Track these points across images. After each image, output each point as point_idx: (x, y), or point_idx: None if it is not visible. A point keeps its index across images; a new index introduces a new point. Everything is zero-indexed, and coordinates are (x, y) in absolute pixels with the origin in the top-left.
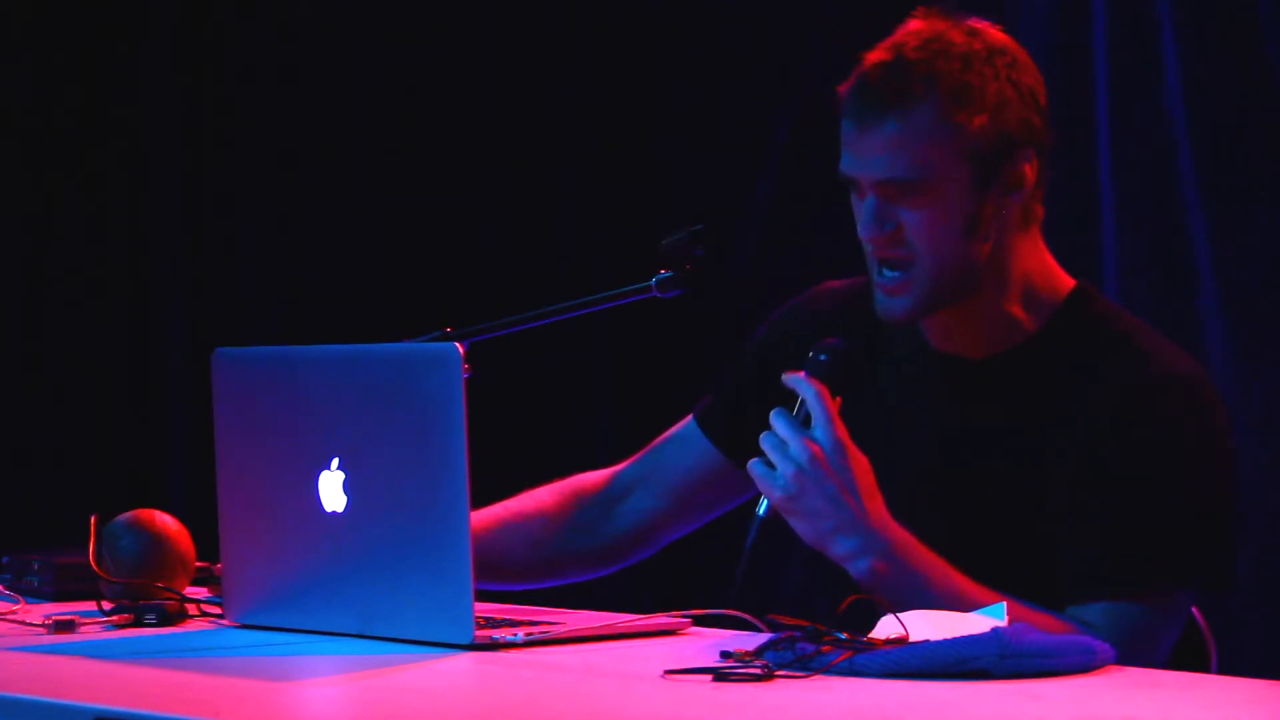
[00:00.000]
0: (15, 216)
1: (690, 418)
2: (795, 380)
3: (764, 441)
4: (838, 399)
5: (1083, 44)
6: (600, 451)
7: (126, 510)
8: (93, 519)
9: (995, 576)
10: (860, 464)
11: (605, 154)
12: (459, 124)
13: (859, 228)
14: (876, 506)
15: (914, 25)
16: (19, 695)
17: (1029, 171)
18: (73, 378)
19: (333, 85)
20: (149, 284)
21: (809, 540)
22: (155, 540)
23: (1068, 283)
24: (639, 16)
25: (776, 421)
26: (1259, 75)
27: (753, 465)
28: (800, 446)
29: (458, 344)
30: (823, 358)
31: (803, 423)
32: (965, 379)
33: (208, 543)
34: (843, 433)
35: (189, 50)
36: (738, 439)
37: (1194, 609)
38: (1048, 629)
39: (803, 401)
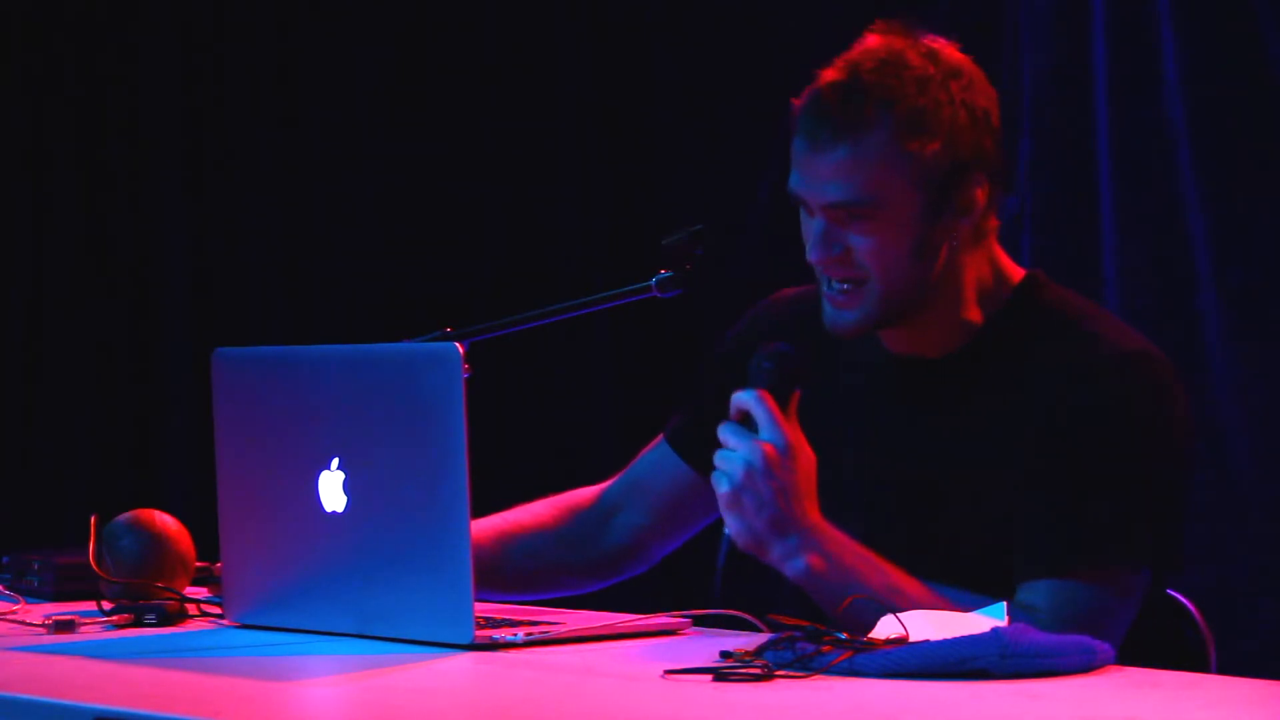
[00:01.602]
0: (15, 216)
1: (661, 437)
2: (738, 396)
3: (717, 454)
4: (794, 395)
5: (1083, 44)
6: (600, 452)
7: (126, 510)
8: (93, 519)
9: (954, 574)
10: (804, 466)
11: (605, 154)
12: (459, 124)
13: (807, 249)
14: (813, 508)
15: (871, 43)
16: (19, 695)
17: (980, 195)
18: (73, 378)
19: (333, 85)
20: (149, 284)
21: (744, 543)
22: (155, 540)
23: (1017, 274)
24: (639, 16)
25: (723, 433)
26: (1259, 75)
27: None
28: (750, 446)
29: (458, 344)
30: (766, 365)
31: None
32: (921, 378)
33: (208, 543)
34: (790, 432)
35: (190, 50)
36: (707, 454)
37: (1194, 609)
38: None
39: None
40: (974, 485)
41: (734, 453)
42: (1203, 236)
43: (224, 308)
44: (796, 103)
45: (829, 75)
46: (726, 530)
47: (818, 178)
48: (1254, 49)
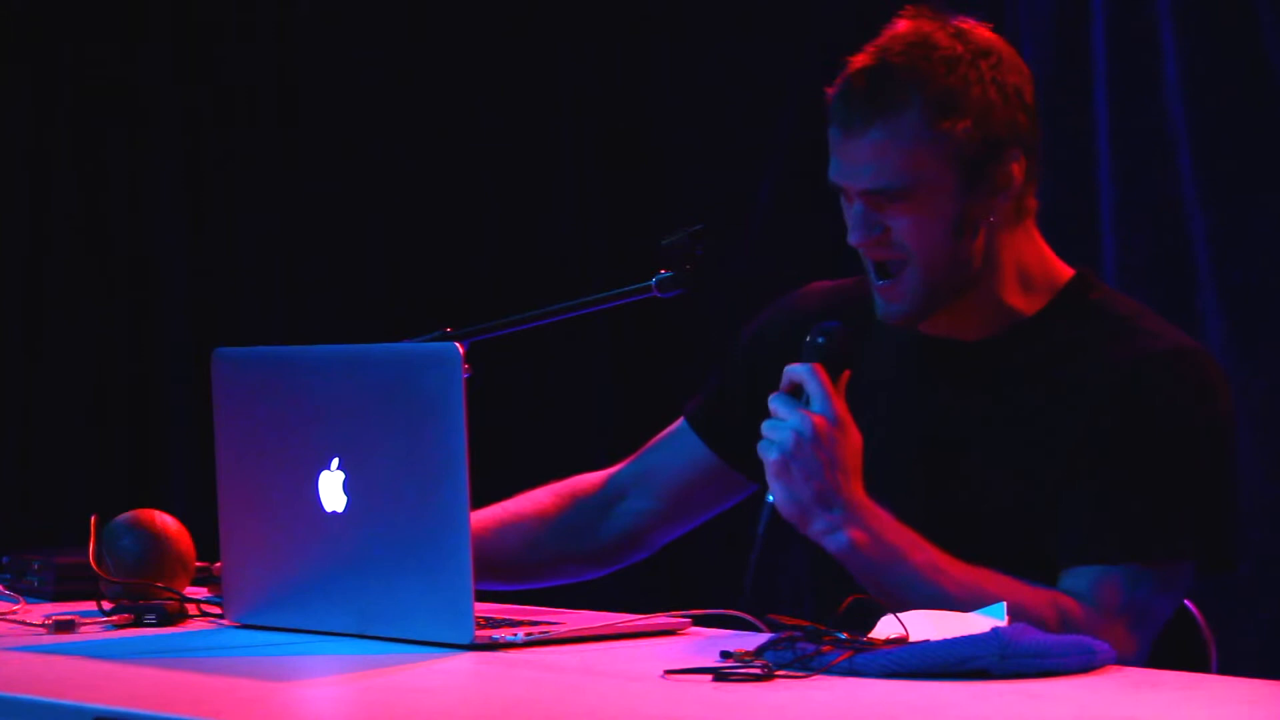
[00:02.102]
0: (15, 216)
1: (681, 419)
2: (791, 368)
3: (766, 422)
4: (844, 373)
5: (1083, 44)
6: (600, 451)
7: (126, 510)
8: (93, 519)
9: (987, 556)
10: (852, 442)
11: (605, 154)
12: (459, 124)
13: (849, 233)
14: (858, 485)
15: (900, 27)
16: (19, 695)
17: (1016, 171)
18: (73, 378)
19: (333, 85)
20: (149, 284)
21: (788, 513)
22: (155, 540)
23: (1066, 271)
24: (639, 16)
25: (774, 403)
26: (1259, 75)
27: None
28: (801, 417)
29: (458, 344)
30: (820, 340)
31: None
32: (958, 361)
33: (208, 543)
34: (841, 407)
35: (189, 49)
36: (728, 437)
37: (1194, 609)
38: (1030, 601)
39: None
40: (1003, 470)
41: (784, 422)
42: (1203, 236)
43: (224, 308)
44: (830, 91)
45: (859, 61)
46: (770, 498)
47: (853, 163)
48: (1254, 49)
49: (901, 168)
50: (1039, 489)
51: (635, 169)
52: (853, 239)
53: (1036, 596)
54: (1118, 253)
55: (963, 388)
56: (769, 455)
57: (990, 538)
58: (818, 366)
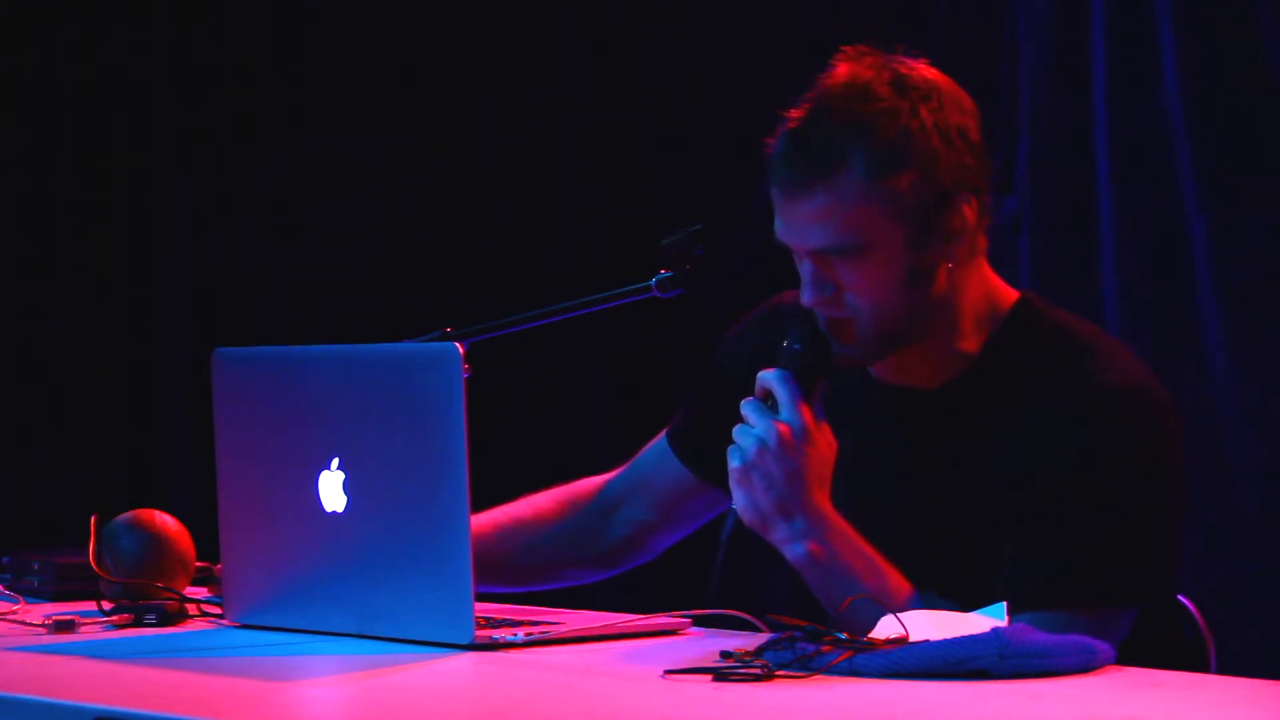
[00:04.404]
0: (15, 215)
1: (664, 434)
2: (764, 374)
3: (736, 428)
4: (820, 381)
5: (1083, 44)
6: (600, 452)
7: (126, 510)
8: (93, 519)
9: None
10: (822, 450)
11: (605, 154)
12: (459, 124)
13: (801, 291)
14: (823, 496)
15: (838, 75)
16: (19, 695)
17: (969, 213)
18: (73, 378)
19: (334, 86)
20: (149, 284)
21: (749, 520)
22: (155, 540)
23: (1010, 296)
24: (639, 17)
25: (745, 408)
26: (1258, 75)
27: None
28: (767, 425)
29: (458, 344)
30: (795, 347)
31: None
32: (919, 411)
33: (208, 543)
34: (808, 416)
35: (191, 49)
36: (704, 457)
37: (1194, 609)
38: None
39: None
40: (974, 518)
41: (751, 429)
42: (1203, 236)
43: (224, 308)
44: (768, 146)
45: (795, 117)
46: (733, 505)
47: (798, 224)
48: (1254, 49)
49: (846, 229)
50: (1000, 534)
51: (635, 169)
52: (805, 299)
53: None
54: (1117, 253)
55: (931, 436)
56: (732, 462)
57: (970, 584)
58: (788, 374)
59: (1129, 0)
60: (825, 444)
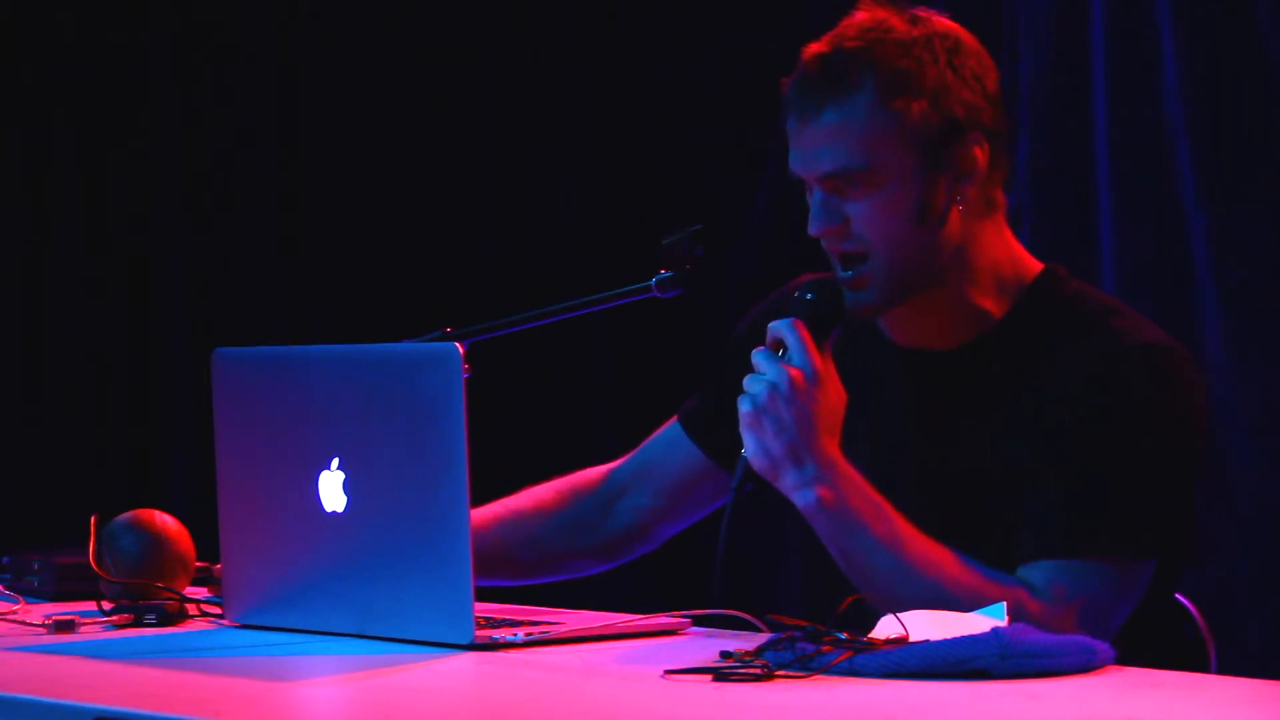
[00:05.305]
0: (15, 216)
1: (676, 419)
2: (774, 324)
3: (747, 377)
4: (832, 332)
5: (1083, 44)
6: (600, 451)
7: (126, 510)
8: (93, 519)
9: (990, 565)
10: (831, 397)
11: (605, 153)
12: (459, 124)
13: (809, 224)
14: (832, 443)
15: (857, 16)
16: (19, 695)
17: (979, 154)
18: (73, 377)
19: (334, 86)
20: (149, 284)
21: (759, 466)
22: (155, 540)
23: (1035, 266)
24: (639, 17)
25: (755, 357)
26: (1259, 75)
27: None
28: (778, 370)
29: (458, 344)
30: (809, 296)
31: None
32: (934, 372)
33: (208, 543)
34: (819, 362)
35: (192, 50)
36: (720, 441)
37: (1194, 609)
38: (985, 589)
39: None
40: (986, 475)
41: (761, 376)
42: (1203, 236)
43: (224, 308)
44: (785, 81)
45: (812, 49)
46: (744, 452)
47: (809, 149)
48: (1254, 49)
49: (857, 149)
50: (1018, 497)
51: (635, 169)
52: (812, 229)
53: (991, 587)
54: (1117, 253)
55: (945, 399)
56: (743, 407)
57: (988, 546)
58: (798, 322)
59: (1129, 0)
60: (835, 393)
